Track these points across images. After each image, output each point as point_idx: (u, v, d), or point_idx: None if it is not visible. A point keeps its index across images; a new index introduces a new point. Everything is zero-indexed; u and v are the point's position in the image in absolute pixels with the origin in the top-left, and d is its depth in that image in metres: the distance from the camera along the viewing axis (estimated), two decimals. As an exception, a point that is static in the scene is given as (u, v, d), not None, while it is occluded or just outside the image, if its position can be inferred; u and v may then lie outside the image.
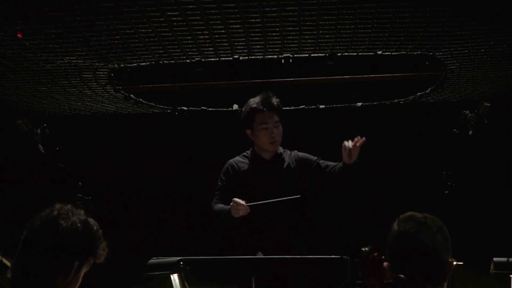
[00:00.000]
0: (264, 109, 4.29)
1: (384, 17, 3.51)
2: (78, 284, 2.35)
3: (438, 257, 2.31)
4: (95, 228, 2.36)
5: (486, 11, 3.44)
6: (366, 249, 2.32)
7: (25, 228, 2.31)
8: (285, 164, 4.38)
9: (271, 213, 4.19)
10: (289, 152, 4.44)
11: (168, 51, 4.05)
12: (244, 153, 4.45)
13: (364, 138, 4.14)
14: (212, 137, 5.79)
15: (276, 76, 5.11)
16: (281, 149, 4.41)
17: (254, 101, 4.33)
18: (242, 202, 4.11)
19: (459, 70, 4.54)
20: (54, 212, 2.32)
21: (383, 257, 2.33)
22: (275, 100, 4.33)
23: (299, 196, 4.16)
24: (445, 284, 2.35)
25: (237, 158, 4.44)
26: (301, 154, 4.42)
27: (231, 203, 4.14)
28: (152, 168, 5.91)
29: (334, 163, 4.32)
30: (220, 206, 4.29)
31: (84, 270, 2.35)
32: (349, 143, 4.14)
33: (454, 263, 2.38)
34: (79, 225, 2.31)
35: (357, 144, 4.12)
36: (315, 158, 4.39)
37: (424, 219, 2.35)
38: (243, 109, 4.40)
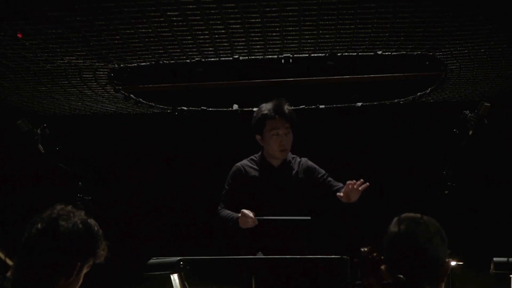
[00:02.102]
0: (276, 116, 4.23)
1: (384, 17, 3.51)
2: (79, 284, 2.35)
3: (434, 258, 2.31)
4: (95, 228, 2.37)
5: (486, 11, 3.44)
6: (365, 249, 2.32)
7: (26, 229, 2.32)
8: (294, 172, 4.33)
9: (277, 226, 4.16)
10: (298, 159, 4.38)
11: (168, 51, 4.05)
12: (253, 157, 4.40)
13: (368, 184, 4.01)
14: (212, 137, 5.79)
15: (276, 76, 5.11)
16: (290, 156, 4.36)
17: (266, 107, 4.28)
18: (251, 214, 4.06)
19: (459, 70, 4.54)
20: (54, 213, 2.32)
21: (382, 257, 2.33)
22: (287, 108, 4.28)
23: (309, 218, 4.11)
24: (443, 284, 2.35)
25: (245, 161, 4.39)
26: (310, 164, 4.37)
27: (240, 214, 4.11)
28: (152, 168, 5.91)
29: (339, 185, 4.25)
30: (227, 213, 4.25)
31: (85, 271, 2.35)
32: (352, 185, 4.01)
33: (451, 263, 2.38)
34: (80, 226, 2.31)
35: (360, 188, 3.99)
36: (323, 172, 4.33)
37: (420, 219, 2.35)
38: (254, 114, 4.34)
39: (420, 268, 2.29)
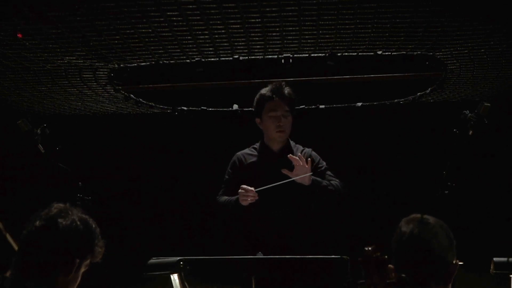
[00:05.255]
0: (274, 96, 4.25)
1: (384, 17, 3.51)
2: (77, 283, 2.36)
3: (442, 258, 2.32)
4: (93, 226, 2.38)
5: (486, 11, 3.45)
6: (369, 248, 2.32)
7: (25, 228, 2.32)
8: None
9: (277, 204, 4.14)
10: (301, 148, 4.36)
11: (168, 51, 4.05)
12: (254, 145, 4.40)
13: (310, 160, 4.08)
14: (212, 137, 5.79)
15: (276, 76, 5.10)
16: (292, 143, 4.36)
17: (265, 89, 4.30)
18: (251, 188, 4.05)
19: (459, 70, 4.54)
20: (53, 211, 2.33)
21: (386, 256, 2.33)
22: (287, 90, 4.29)
23: (311, 173, 4.09)
24: (450, 285, 2.36)
25: (246, 150, 4.39)
26: (313, 154, 4.34)
27: (239, 190, 4.08)
28: (152, 168, 5.91)
29: (335, 179, 4.25)
30: (225, 198, 4.25)
31: (83, 269, 2.36)
32: (296, 161, 4.06)
33: (459, 263, 2.39)
34: (78, 223, 2.33)
35: (306, 166, 4.05)
36: (323, 165, 4.32)
37: (428, 220, 2.36)
38: (255, 98, 4.36)
39: (427, 268, 2.30)
